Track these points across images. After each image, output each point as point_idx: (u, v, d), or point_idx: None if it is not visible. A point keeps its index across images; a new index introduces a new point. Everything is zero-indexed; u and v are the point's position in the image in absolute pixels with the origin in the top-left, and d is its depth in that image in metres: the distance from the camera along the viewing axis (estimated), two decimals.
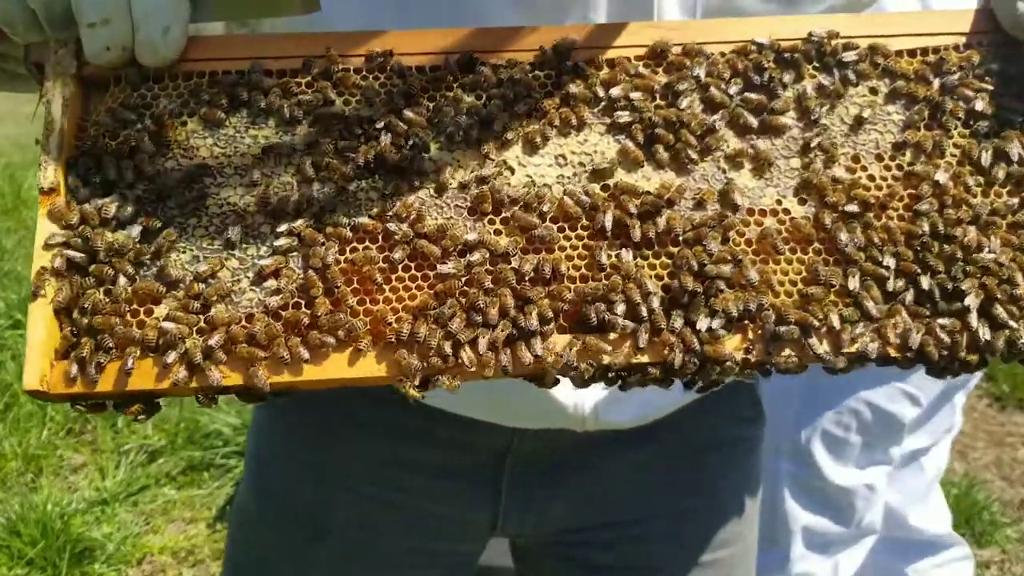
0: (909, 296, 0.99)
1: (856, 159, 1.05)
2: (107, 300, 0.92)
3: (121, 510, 3.36)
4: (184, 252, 0.96)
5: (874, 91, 1.07)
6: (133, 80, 1.00)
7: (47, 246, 0.93)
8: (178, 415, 3.71)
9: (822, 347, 0.96)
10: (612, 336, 0.95)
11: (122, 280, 0.92)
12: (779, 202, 1.02)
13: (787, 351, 0.96)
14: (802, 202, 1.03)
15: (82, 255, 0.93)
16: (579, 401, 1.25)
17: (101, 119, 0.98)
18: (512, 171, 1.02)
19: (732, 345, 0.96)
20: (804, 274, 0.99)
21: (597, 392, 1.26)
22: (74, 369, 0.89)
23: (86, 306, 0.91)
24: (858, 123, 1.06)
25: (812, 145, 1.04)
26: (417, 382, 0.92)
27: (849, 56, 1.07)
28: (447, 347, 0.92)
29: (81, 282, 0.92)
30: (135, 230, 0.95)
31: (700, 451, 1.40)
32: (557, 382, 0.97)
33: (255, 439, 1.49)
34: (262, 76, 1.02)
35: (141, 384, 0.90)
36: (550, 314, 0.94)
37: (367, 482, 1.36)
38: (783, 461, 2.55)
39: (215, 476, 3.55)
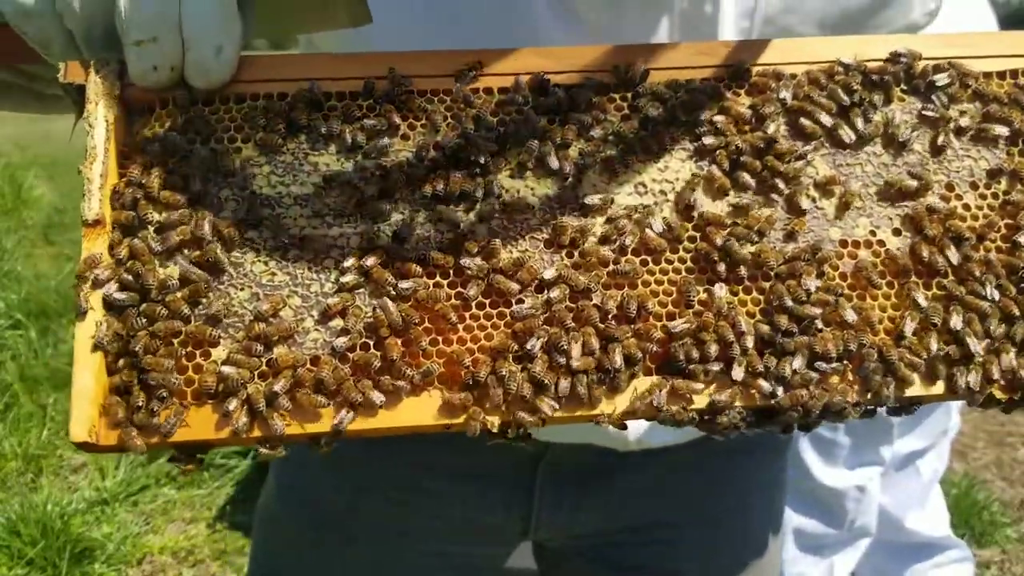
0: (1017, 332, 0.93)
1: (950, 187, 0.98)
2: (160, 343, 0.83)
3: (121, 510, 3.34)
4: (243, 289, 0.87)
5: (964, 114, 1.00)
6: (182, 103, 0.90)
7: (95, 283, 0.84)
8: None
9: (931, 387, 0.91)
10: (702, 378, 0.88)
11: (177, 323, 0.83)
12: (873, 233, 0.96)
13: (886, 390, 0.89)
14: (896, 233, 0.96)
15: (131, 294, 0.84)
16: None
17: (150, 148, 0.89)
18: (588, 208, 0.93)
19: (835, 387, 0.89)
20: (902, 310, 0.93)
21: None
22: (125, 420, 0.81)
23: (137, 350, 0.82)
24: (945, 151, 0.98)
25: (904, 173, 0.98)
26: (496, 428, 0.85)
27: (941, 79, 1.00)
28: (527, 391, 0.85)
29: (132, 323, 0.83)
30: (188, 266, 0.86)
31: (732, 454, 1.37)
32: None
33: None
34: (322, 99, 0.93)
35: (198, 434, 0.82)
36: (638, 354, 0.87)
37: (396, 485, 1.33)
38: None
39: (215, 476, 3.54)
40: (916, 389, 0.91)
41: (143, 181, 0.88)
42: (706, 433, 0.91)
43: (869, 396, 0.90)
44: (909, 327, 0.92)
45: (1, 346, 4.13)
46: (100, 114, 0.88)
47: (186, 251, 0.87)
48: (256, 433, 0.83)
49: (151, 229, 0.87)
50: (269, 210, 0.89)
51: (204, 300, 0.85)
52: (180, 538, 3.27)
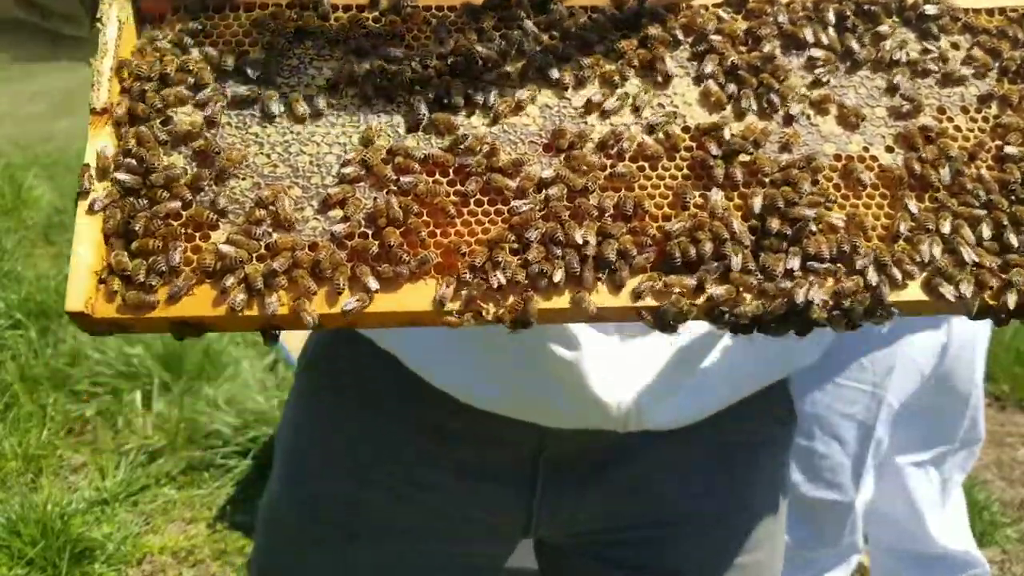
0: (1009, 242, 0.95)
1: (941, 110, 1.02)
2: (161, 223, 0.85)
3: (121, 510, 3.33)
4: (244, 179, 0.89)
5: (956, 46, 1.05)
6: (193, 8, 0.95)
7: (101, 166, 0.87)
8: (178, 415, 3.70)
9: (919, 292, 0.91)
10: (697, 275, 0.89)
11: (177, 204, 0.86)
12: (866, 149, 0.99)
13: (884, 289, 0.90)
14: (889, 150, 0.99)
15: (136, 177, 0.87)
16: (622, 401, 1.22)
17: (161, 44, 0.93)
18: (589, 111, 0.97)
19: (823, 289, 0.90)
20: (895, 219, 0.95)
21: (640, 392, 1.23)
22: (120, 297, 0.82)
23: (137, 228, 0.84)
24: (943, 77, 1.02)
25: (897, 94, 1.01)
26: (492, 316, 0.86)
27: (931, 9, 1.04)
28: (521, 277, 0.86)
29: (133, 204, 0.85)
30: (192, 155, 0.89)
31: (734, 451, 1.38)
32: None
33: (286, 438, 1.46)
34: (329, 10, 0.97)
35: (194, 310, 0.83)
36: (633, 250, 0.89)
37: (399, 482, 1.34)
38: None
39: (215, 476, 3.53)
40: (909, 293, 0.93)
41: (151, 75, 0.91)
42: (712, 325, 0.91)
43: (864, 295, 0.91)
44: (904, 227, 0.94)
45: (1, 346, 4.13)
46: (113, 13, 0.92)
47: (190, 142, 0.90)
48: (252, 312, 0.84)
49: (157, 119, 0.90)
50: (277, 106, 0.92)
51: (206, 186, 0.88)
52: (180, 538, 3.26)
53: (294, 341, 4.06)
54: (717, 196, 0.93)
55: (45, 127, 7.37)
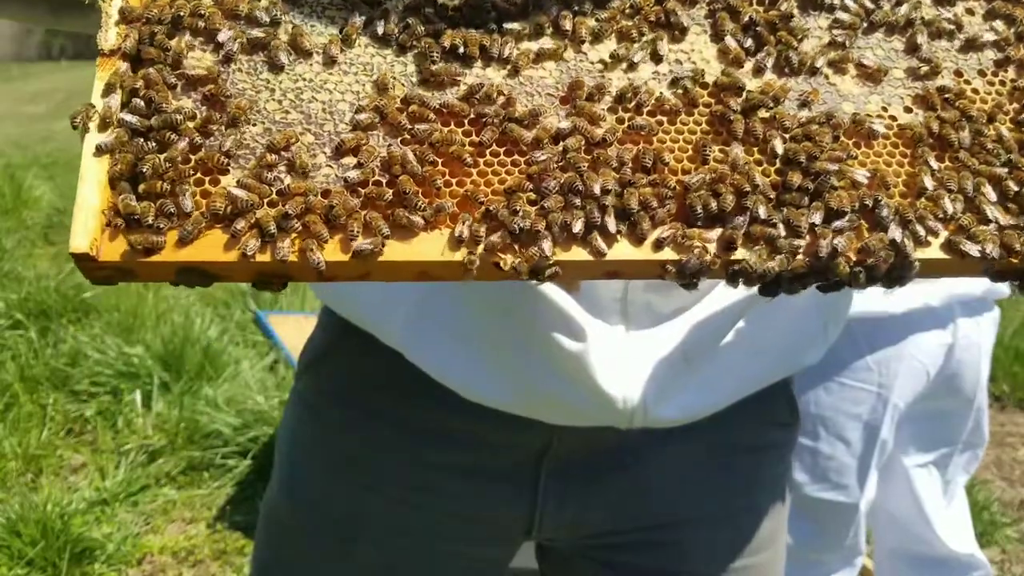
0: None
1: (959, 73, 1.01)
2: (169, 165, 0.82)
3: (121, 510, 3.32)
4: (255, 125, 0.87)
5: (971, 12, 1.04)
6: None
7: (106, 105, 0.83)
8: (178, 415, 3.70)
9: (940, 251, 0.89)
10: (720, 230, 0.87)
11: (186, 144, 0.83)
12: (884, 109, 0.98)
13: (908, 244, 0.88)
14: (908, 111, 0.98)
15: (143, 119, 0.84)
16: (628, 395, 1.21)
17: None
18: (606, 65, 0.95)
19: (849, 243, 0.88)
20: (916, 176, 0.93)
21: (646, 388, 1.21)
22: (130, 234, 0.79)
23: (145, 170, 0.81)
24: (954, 40, 1.01)
25: (915, 55, 1.00)
26: (508, 266, 0.83)
27: None
28: (541, 226, 0.84)
29: (142, 145, 0.83)
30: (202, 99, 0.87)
31: (739, 453, 1.37)
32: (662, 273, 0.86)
33: (288, 440, 1.44)
34: None
35: (203, 255, 0.80)
36: (654, 202, 0.87)
37: (400, 486, 1.32)
38: None
39: (215, 476, 3.52)
40: (932, 252, 0.91)
41: (162, 17, 0.89)
42: (734, 285, 0.89)
43: (888, 251, 0.88)
44: (927, 182, 0.92)
45: (1, 346, 4.13)
46: None
47: (200, 86, 0.87)
48: (263, 257, 0.81)
49: (167, 61, 0.87)
50: (285, 53, 0.90)
51: (216, 130, 0.85)
52: (180, 538, 3.26)
53: (295, 341, 4.05)
54: (738, 150, 0.91)
55: (45, 127, 7.37)
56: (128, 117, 0.84)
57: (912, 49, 1.01)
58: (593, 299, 1.18)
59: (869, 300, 2.32)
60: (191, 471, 3.54)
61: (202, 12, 0.90)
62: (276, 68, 0.90)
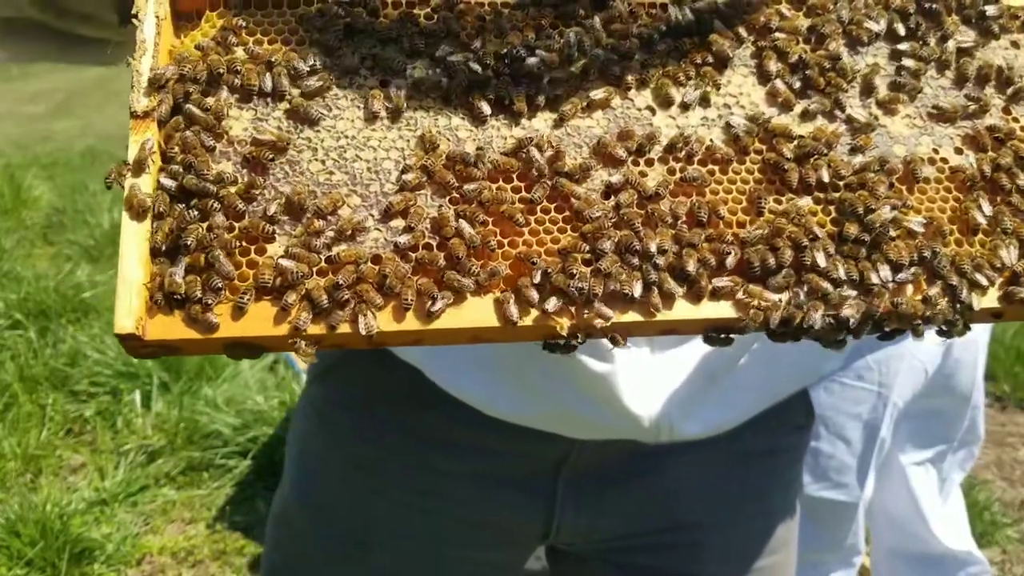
0: None
1: (1007, 111, 0.99)
2: (213, 236, 0.78)
3: (120, 510, 3.30)
4: (298, 187, 0.83)
5: (1016, 44, 1.03)
6: (235, 4, 0.89)
7: (139, 166, 0.79)
8: (178, 415, 3.69)
9: (994, 301, 0.89)
10: (777, 284, 0.85)
11: (223, 218, 0.79)
12: (935, 151, 0.95)
13: (964, 293, 0.87)
14: (958, 152, 0.96)
15: (181, 182, 0.80)
16: (654, 413, 1.20)
17: (205, 43, 0.87)
18: (653, 111, 0.92)
19: (910, 296, 0.87)
20: (968, 222, 0.91)
21: (670, 405, 1.21)
22: (173, 317, 0.76)
23: (189, 242, 0.77)
24: (1001, 77, 1.00)
25: (962, 93, 0.98)
26: (566, 331, 0.81)
27: (991, 10, 1.02)
28: (599, 289, 0.81)
29: (184, 214, 0.79)
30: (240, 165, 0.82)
31: (754, 458, 1.37)
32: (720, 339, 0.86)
33: (299, 446, 1.43)
34: (379, 6, 0.91)
35: (253, 330, 0.77)
36: (712, 259, 0.84)
37: (414, 493, 1.31)
38: None
39: (215, 476, 3.51)
40: (988, 300, 0.89)
41: (197, 76, 0.84)
42: (780, 340, 0.87)
43: (945, 302, 0.87)
44: (980, 229, 0.91)
45: (1, 346, 4.12)
46: (150, 9, 0.85)
47: (239, 147, 0.84)
48: (315, 330, 0.78)
49: (203, 124, 0.83)
50: (326, 111, 0.87)
51: (259, 195, 0.82)
52: (179, 538, 3.24)
53: None
54: (803, 201, 0.89)
55: (45, 127, 7.36)
56: (165, 181, 0.80)
57: (962, 80, 0.99)
58: None
59: None
60: (190, 471, 3.52)
61: (238, 68, 0.86)
62: (312, 123, 0.86)
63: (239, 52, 0.88)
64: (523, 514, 1.32)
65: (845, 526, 2.55)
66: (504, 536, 1.36)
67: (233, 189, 0.81)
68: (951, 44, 1.01)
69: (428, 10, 0.92)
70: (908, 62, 0.99)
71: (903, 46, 0.99)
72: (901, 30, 1.00)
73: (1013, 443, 3.95)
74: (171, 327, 0.76)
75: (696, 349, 1.22)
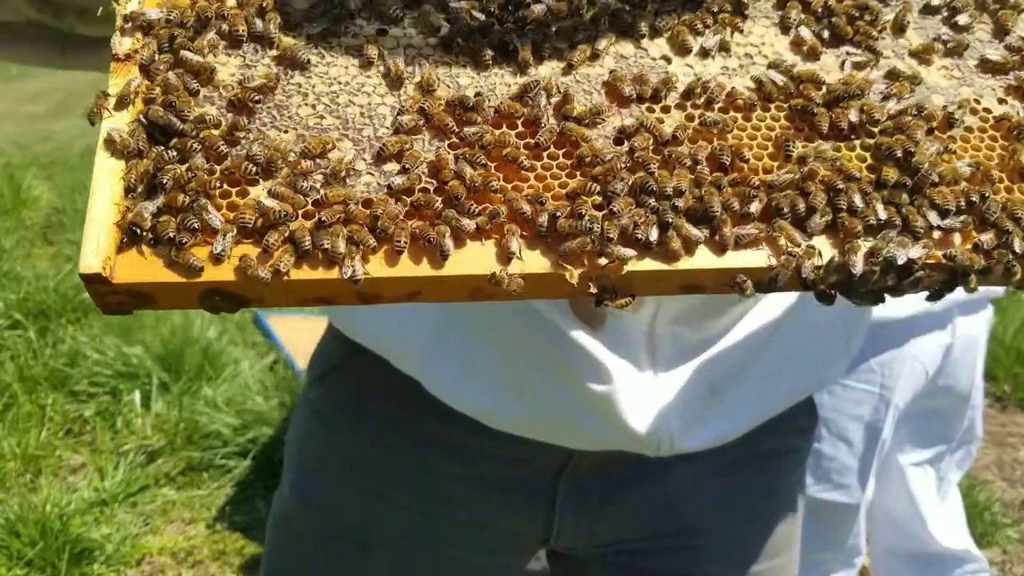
0: None
1: None
2: (191, 175, 0.73)
3: (120, 511, 3.28)
4: (287, 132, 0.78)
5: None
6: None
7: (121, 102, 0.74)
8: (177, 415, 3.68)
9: None
10: (812, 228, 0.77)
11: (203, 160, 0.74)
12: (977, 101, 0.88)
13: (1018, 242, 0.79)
14: (1001, 102, 0.89)
15: (162, 122, 0.75)
16: (656, 429, 1.18)
17: None
18: (669, 60, 0.86)
19: (959, 244, 0.80)
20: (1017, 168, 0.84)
21: (672, 421, 1.18)
22: (145, 258, 0.70)
23: (165, 181, 0.71)
24: None
25: (1006, 45, 0.91)
26: (576, 280, 0.73)
27: None
28: (613, 233, 0.73)
29: (161, 153, 0.74)
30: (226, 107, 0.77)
31: (758, 461, 1.35)
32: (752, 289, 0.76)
33: (298, 447, 1.41)
34: None
35: (231, 275, 0.71)
36: (736, 203, 0.76)
37: (414, 497, 1.30)
38: None
39: (214, 477, 3.50)
40: None
41: (184, 20, 0.79)
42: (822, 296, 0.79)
43: (996, 253, 0.80)
44: None
45: (1, 346, 4.12)
46: None
47: (224, 91, 0.78)
48: (298, 275, 0.71)
49: (188, 67, 0.78)
50: (318, 56, 0.81)
51: (243, 137, 0.76)
52: (179, 539, 3.23)
53: (295, 341, 4.04)
54: (826, 145, 0.81)
55: (45, 127, 7.35)
56: (144, 119, 0.75)
57: (1003, 32, 0.92)
58: (619, 333, 1.14)
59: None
60: (190, 472, 3.51)
61: (225, 14, 0.81)
62: (311, 67, 0.81)
63: None
64: (523, 518, 1.31)
65: (846, 527, 2.54)
66: (505, 539, 1.35)
67: (216, 131, 0.75)
68: None
69: None
70: (957, 17, 0.92)
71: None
72: None
73: (1013, 443, 3.94)
74: (144, 269, 0.69)
75: (699, 364, 1.20)
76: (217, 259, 0.70)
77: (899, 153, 0.80)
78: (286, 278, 0.70)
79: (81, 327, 4.33)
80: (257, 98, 0.77)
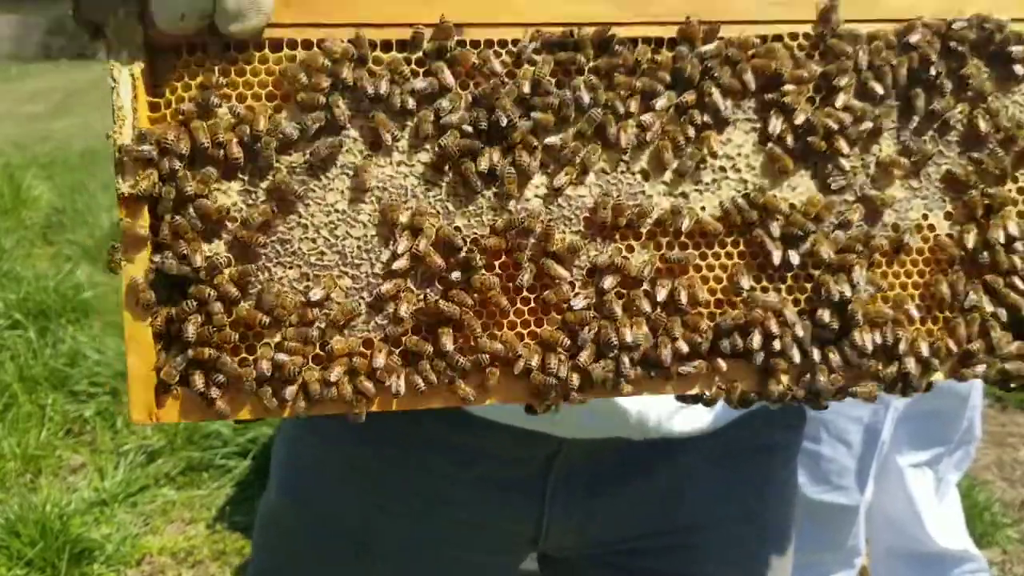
0: None
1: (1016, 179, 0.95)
2: (213, 329, 0.81)
3: (120, 511, 3.29)
4: (290, 268, 0.84)
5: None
6: (214, 51, 0.82)
7: (130, 256, 0.81)
8: None
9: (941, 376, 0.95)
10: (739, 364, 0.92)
11: (220, 305, 0.82)
12: (925, 216, 0.95)
13: (913, 376, 0.93)
14: (948, 216, 0.95)
15: (176, 273, 0.81)
16: (643, 409, 1.21)
17: (185, 107, 0.81)
18: (647, 177, 0.90)
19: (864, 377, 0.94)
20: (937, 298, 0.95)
21: (660, 402, 1.21)
22: (182, 402, 0.82)
23: (189, 337, 0.80)
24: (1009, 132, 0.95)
25: (975, 157, 0.95)
26: (541, 408, 0.90)
27: (1018, 51, 0.94)
28: (575, 380, 0.87)
29: (182, 306, 0.81)
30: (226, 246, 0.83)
31: (746, 457, 1.36)
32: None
33: (288, 448, 1.42)
34: (368, 55, 0.84)
35: (257, 414, 0.84)
36: (685, 349, 0.89)
37: (408, 497, 1.31)
38: None
39: (214, 477, 3.51)
40: (937, 377, 0.95)
41: (181, 150, 0.81)
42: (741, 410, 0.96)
43: (898, 383, 0.95)
44: (947, 309, 0.96)
45: (1, 346, 4.12)
46: (124, 70, 0.80)
47: (229, 223, 0.83)
48: (314, 412, 0.85)
49: (191, 205, 0.82)
50: (316, 181, 0.84)
51: (253, 280, 0.83)
52: (179, 539, 3.24)
53: None
54: (772, 296, 0.92)
55: (44, 127, 7.36)
56: (159, 270, 0.82)
57: (971, 139, 0.96)
58: None
59: None
60: (190, 472, 3.52)
61: (221, 140, 0.82)
62: (300, 198, 0.85)
63: (223, 112, 0.83)
64: (515, 515, 1.31)
65: (845, 528, 2.55)
66: (505, 538, 1.35)
67: (227, 272, 0.82)
68: (971, 88, 0.95)
69: (420, 55, 0.86)
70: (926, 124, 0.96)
71: (918, 103, 0.95)
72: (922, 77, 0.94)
73: (1013, 443, 3.95)
74: (183, 412, 0.83)
75: None
76: (242, 407, 0.85)
77: (835, 296, 0.91)
78: (301, 416, 0.86)
79: (81, 327, 4.34)
80: (262, 240, 0.83)
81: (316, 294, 0.83)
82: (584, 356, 0.87)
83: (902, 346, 0.92)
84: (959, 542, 2.68)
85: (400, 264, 0.84)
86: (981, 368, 0.95)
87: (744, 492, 1.36)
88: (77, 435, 3.73)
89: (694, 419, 1.24)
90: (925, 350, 0.93)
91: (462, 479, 1.29)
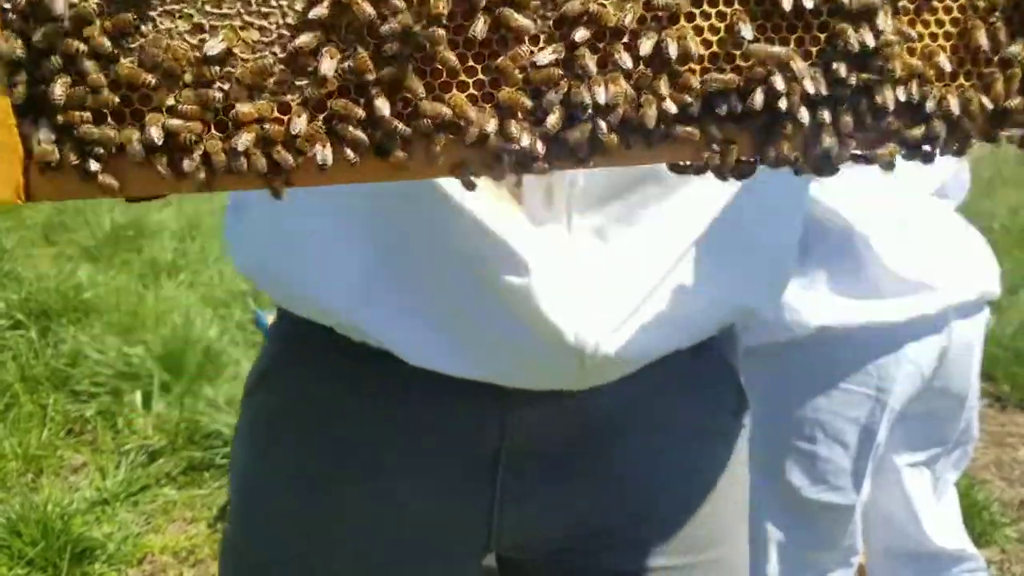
0: None
1: None
2: (86, 90, 0.66)
3: (122, 510, 3.28)
4: (179, 17, 0.68)
5: None
6: None
7: None
8: (178, 415, 3.70)
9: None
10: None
11: (93, 65, 0.65)
12: None
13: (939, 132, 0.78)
14: None
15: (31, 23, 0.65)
16: (578, 328, 1.17)
17: None
18: None
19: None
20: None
21: (596, 319, 1.17)
22: (59, 178, 0.66)
23: (57, 99, 0.65)
24: None
25: None
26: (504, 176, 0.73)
27: None
28: (540, 148, 0.71)
29: (47, 64, 0.65)
30: None
31: (690, 436, 1.34)
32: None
33: (239, 471, 1.38)
34: None
35: (147, 190, 0.69)
36: (673, 109, 0.73)
37: (369, 498, 1.27)
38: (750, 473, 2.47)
39: (215, 476, 3.50)
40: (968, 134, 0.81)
41: None
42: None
43: (915, 144, 0.80)
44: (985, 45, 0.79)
45: (1, 346, 4.13)
46: None
47: None
48: (220, 187, 0.70)
49: None
50: None
51: (132, 32, 0.67)
52: (181, 538, 3.25)
53: None
54: (778, 47, 0.75)
55: None
56: (13, 16, 0.65)
57: None
58: (538, 228, 1.15)
59: (871, 310, 2.34)
60: (191, 471, 3.53)
61: None
62: None
63: None
64: (465, 512, 1.31)
65: (842, 528, 2.56)
66: (457, 540, 1.36)
67: (98, 23, 0.66)
68: None
69: None
70: None
71: None
72: None
73: (1013, 443, 3.95)
74: (58, 188, 0.68)
75: (616, 263, 1.19)
76: (128, 183, 0.68)
77: (854, 46, 0.76)
78: (201, 189, 0.70)
79: (82, 327, 4.35)
80: None
81: (214, 47, 0.68)
82: (551, 120, 0.71)
83: (929, 104, 0.79)
84: (957, 541, 2.69)
85: (319, 11, 0.69)
86: (1018, 131, 0.81)
87: (688, 482, 1.36)
88: (78, 435, 3.74)
89: (628, 344, 1.23)
90: (955, 107, 0.79)
91: (408, 475, 1.28)
